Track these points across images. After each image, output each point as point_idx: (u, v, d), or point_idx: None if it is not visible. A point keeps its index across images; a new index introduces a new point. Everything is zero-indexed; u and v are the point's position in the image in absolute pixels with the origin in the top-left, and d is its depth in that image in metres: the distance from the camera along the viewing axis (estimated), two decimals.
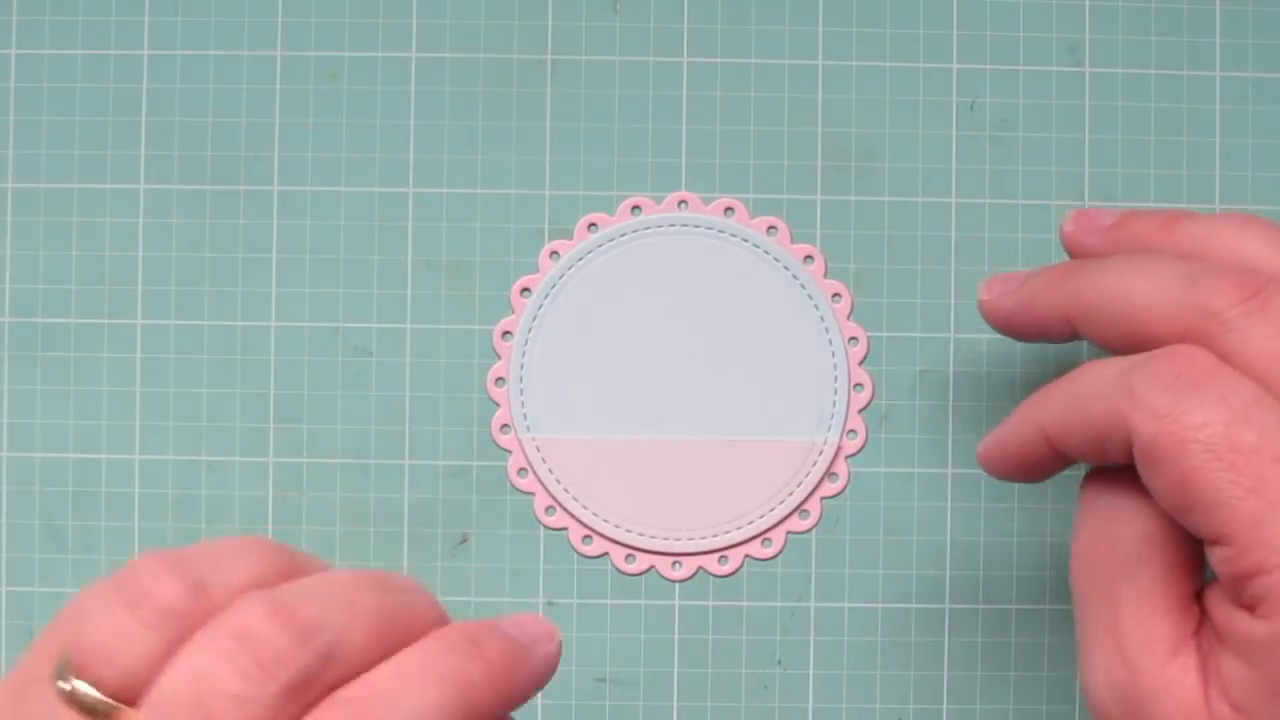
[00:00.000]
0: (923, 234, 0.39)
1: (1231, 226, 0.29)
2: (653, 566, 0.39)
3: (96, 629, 0.24)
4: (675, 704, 0.39)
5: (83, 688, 0.23)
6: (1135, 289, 0.28)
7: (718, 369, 0.39)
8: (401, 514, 0.39)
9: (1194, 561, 0.27)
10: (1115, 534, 0.28)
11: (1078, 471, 0.30)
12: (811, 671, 0.39)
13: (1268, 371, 0.26)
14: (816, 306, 0.39)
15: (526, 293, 0.39)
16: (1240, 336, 0.26)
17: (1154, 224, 0.31)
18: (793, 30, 0.40)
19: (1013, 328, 0.33)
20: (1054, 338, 0.31)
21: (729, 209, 0.39)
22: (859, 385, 0.39)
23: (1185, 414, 0.25)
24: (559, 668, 0.39)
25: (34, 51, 0.39)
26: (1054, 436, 0.29)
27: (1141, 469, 0.27)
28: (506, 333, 0.39)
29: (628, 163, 0.39)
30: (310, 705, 0.23)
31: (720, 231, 0.39)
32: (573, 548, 0.39)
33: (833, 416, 0.39)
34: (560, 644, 0.29)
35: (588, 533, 0.39)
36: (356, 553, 0.39)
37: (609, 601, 0.39)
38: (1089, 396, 0.27)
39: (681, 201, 0.39)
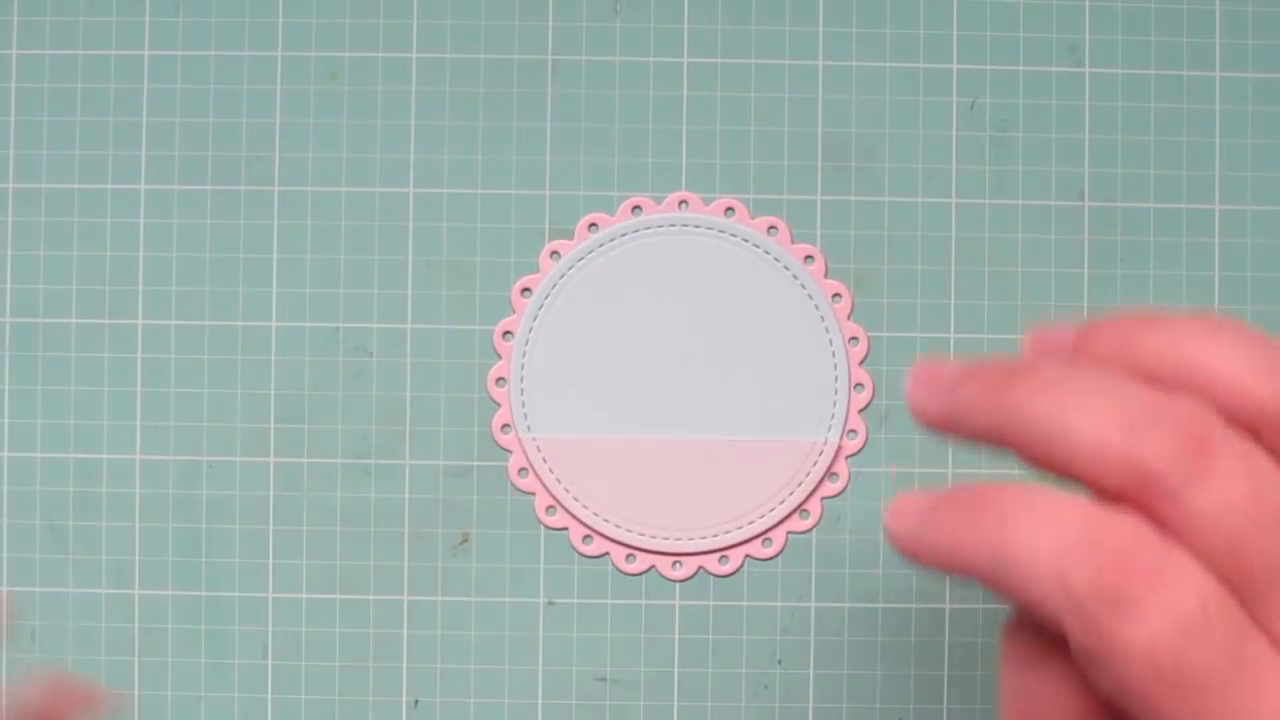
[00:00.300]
0: (923, 234, 0.39)
1: (1197, 337, 0.26)
2: (653, 566, 0.39)
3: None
4: (675, 704, 0.39)
5: None
6: (1071, 428, 0.25)
7: (718, 369, 0.39)
8: (401, 514, 0.39)
9: None
10: (1041, 709, 0.26)
11: None
12: (811, 671, 0.39)
13: (1219, 551, 0.23)
14: (816, 306, 0.39)
15: (527, 293, 0.39)
16: (1184, 510, 0.23)
17: (1113, 342, 0.27)
18: (793, 30, 0.40)
19: (942, 433, 0.30)
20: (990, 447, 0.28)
21: (729, 209, 0.39)
22: (859, 385, 0.39)
23: (1125, 629, 0.23)
24: (559, 667, 0.39)
25: (35, 52, 0.40)
26: (981, 580, 0.26)
27: (1077, 658, 0.24)
28: (507, 333, 0.39)
29: (628, 163, 0.39)
30: None
31: (720, 231, 0.39)
32: (573, 548, 0.39)
33: (833, 416, 0.39)
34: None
35: (588, 533, 0.39)
36: (356, 553, 0.39)
37: (609, 601, 0.39)
38: (1021, 569, 0.24)
39: (682, 201, 0.39)
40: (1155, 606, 0.23)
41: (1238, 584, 0.23)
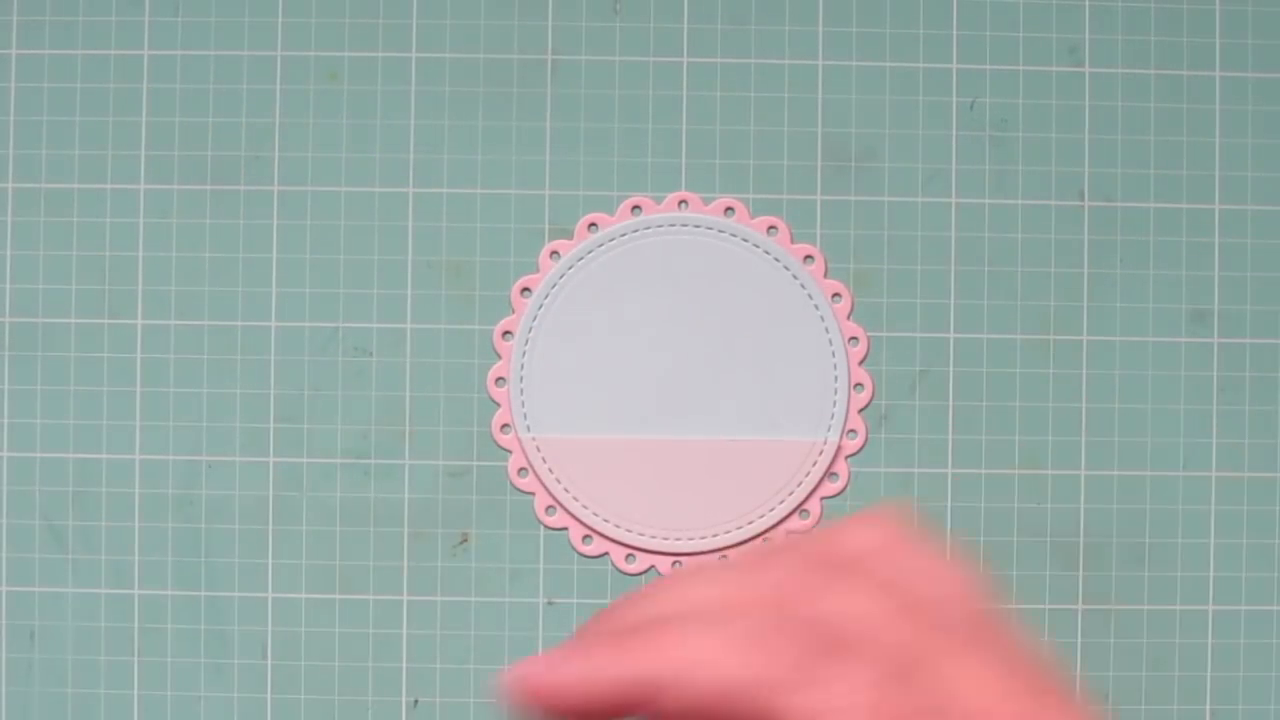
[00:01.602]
0: (923, 234, 0.39)
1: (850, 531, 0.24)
2: (653, 566, 0.39)
3: None
4: None
5: None
6: (701, 661, 0.22)
7: (718, 369, 0.39)
8: (401, 514, 0.39)
9: None
10: None
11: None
12: None
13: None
14: (816, 306, 0.39)
15: (527, 293, 0.39)
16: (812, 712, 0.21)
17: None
18: (793, 30, 0.40)
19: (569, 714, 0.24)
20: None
21: (729, 209, 0.39)
22: (859, 385, 0.39)
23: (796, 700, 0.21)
24: None
25: (34, 52, 0.40)
26: (630, 705, 0.23)
27: None
28: (507, 333, 0.39)
29: (628, 163, 0.39)
30: None
31: (720, 231, 0.39)
32: (573, 548, 0.39)
33: (833, 416, 0.39)
34: None
35: (588, 533, 0.39)
36: (356, 553, 0.39)
37: (609, 601, 0.39)
38: (685, 675, 0.22)
39: (681, 201, 0.39)
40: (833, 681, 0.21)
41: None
